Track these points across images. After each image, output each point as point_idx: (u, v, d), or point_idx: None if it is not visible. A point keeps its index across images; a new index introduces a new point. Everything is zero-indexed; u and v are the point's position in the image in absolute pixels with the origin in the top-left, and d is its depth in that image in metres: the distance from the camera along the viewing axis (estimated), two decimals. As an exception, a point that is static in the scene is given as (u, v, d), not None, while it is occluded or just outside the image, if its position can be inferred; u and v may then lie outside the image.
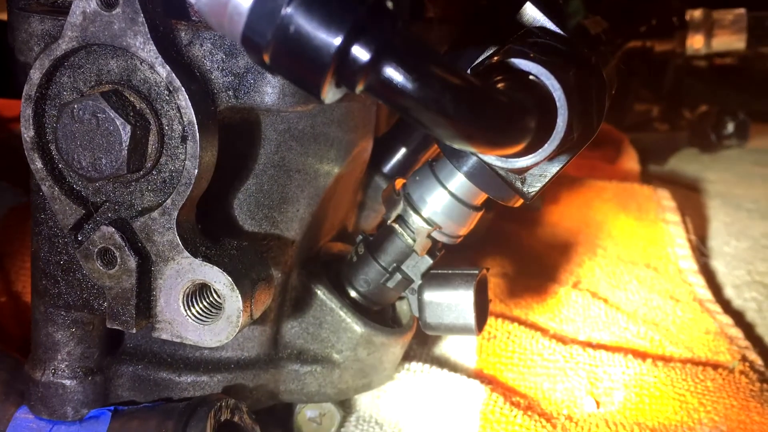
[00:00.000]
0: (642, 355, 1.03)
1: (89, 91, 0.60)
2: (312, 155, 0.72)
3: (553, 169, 0.67)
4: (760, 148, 2.18)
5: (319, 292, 0.79)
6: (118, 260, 0.61)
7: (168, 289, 0.62)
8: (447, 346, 1.03)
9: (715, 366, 1.01)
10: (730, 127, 2.05)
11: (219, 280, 0.61)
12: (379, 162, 0.93)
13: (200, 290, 0.63)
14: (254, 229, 0.72)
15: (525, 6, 0.66)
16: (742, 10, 1.75)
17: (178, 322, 0.63)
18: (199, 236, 0.63)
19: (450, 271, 0.78)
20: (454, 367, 0.97)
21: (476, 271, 0.78)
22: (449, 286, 0.77)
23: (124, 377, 0.74)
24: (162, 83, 0.59)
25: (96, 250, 0.61)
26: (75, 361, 0.70)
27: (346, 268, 0.82)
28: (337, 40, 0.43)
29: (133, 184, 0.62)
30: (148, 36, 0.57)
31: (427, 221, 0.74)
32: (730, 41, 1.76)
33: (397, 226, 0.77)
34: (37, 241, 0.67)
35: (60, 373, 0.70)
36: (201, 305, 0.63)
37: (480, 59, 0.66)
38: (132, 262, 0.61)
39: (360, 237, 0.82)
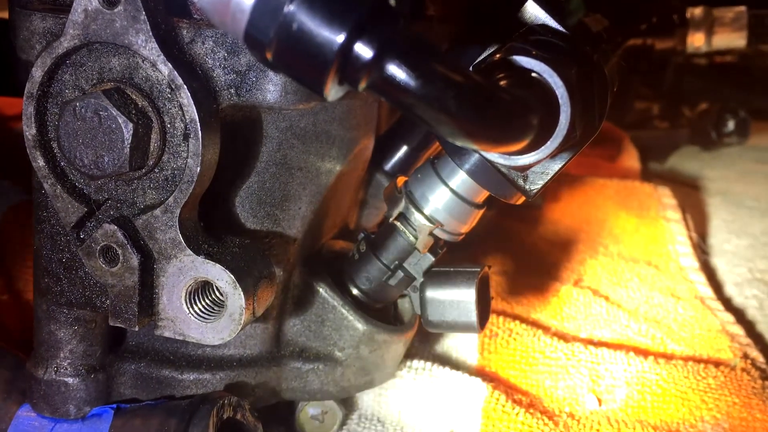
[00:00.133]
0: (644, 353, 1.03)
1: (91, 89, 0.60)
2: (314, 153, 0.72)
3: (555, 166, 0.67)
4: (760, 146, 2.18)
5: (321, 289, 0.79)
6: (121, 258, 0.61)
7: (170, 287, 0.62)
8: (449, 344, 1.03)
9: (717, 363, 1.01)
10: (731, 125, 2.05)
11: (221, 277, 0.61)
12: (380, 160, 0.93)
13: (203, 288, 0.63)
14: (256, 226, 0.72)
15: (527, 3, 0.66)
16: (742, 8, 1.75)
17: (181, 320, 0.63)
18: (201, 234, 0.63)
19: (452, 269, 0.78)
20: (455, 365, 0.97)
21: (478, 269, 0.78)
22: (451, 284, 0.77)
23: (126, 375, 0.74)
24: (164, 81, 0.59)
25: (98, 247, 0.61)
26: (77, 359, 0.70)
27: (348, 265, 0.82)
28: (340, 38, 0.43)
29: (135, 182, 0.62)
30: (150, 34, 0.57)
31: (429, 219, 0.74)
32: (731, 39, 1.76)
33: (398, 223, 0.77)
34: (39, 239, 0.67)
35: (62, 371, 0.70)
36: (203, 303, 0.63)
37: (482, 57, 0.66)
38: (134, 260, 0.61)
39: (362, 235, 0.82)
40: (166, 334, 0.63)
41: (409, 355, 0.96)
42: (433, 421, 0.88)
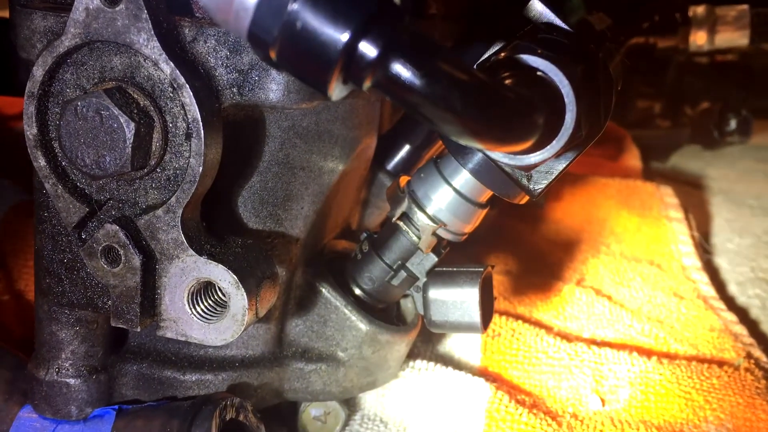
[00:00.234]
0: (647, 353, 1.03)
1: (92, 89, 0.59)
2: (316, 152, 0.72)
3: (560, 166, 0.67)
4: (762, 145, 2.18)
5: (323, 290, 0.78)
6: (123, 258, 0.61)
7: (173, 288, 0.62)
8: (451, 344, 1.03)
9: (720, 363, 1.01)
10: (733, 124, 2.04)
11: (224, 278, 0.61)
12: (383, 159, 0.93)
13: (205, 288, 0.63)
14: (259, 226, 0.71)
15: (532, 2, 0.66)
16: (745, 7, 1.75)
17: (183, 321, 0.62)
18: (203, 234, 0.63)
19: (455, 269, 0.78)
20: (458, 365, 0.97)
21: (481, 269, 0.77)
22: (454, 284, 0.77)
23: (128, 376, 0.73)
24: (166, 80, 0.59)
25: (100, 248, 0.61)
26: (79, 360, 0.70)
27: (351, 265, 0.82)
28: (344, 37, 0.43)
29: (137, 181, 0.62)
30: (152, 33, 0.57)
31: (432, 219, 0.74)
32: (733, 38, 1.75)
33: (401, 223, 0.76)
34: (40, 239, 0.66)
35: (64, 371, 0.69)
36: (206, 303, 0.63)
37: (487, 55, 0.65)
38: (136, 260, 0.61)
39: (364, 234, 0.81)
40: (169, 334, 0.63)
41: (412, 355, 0.96)
42: (436, 422, 0.87)
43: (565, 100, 0.58)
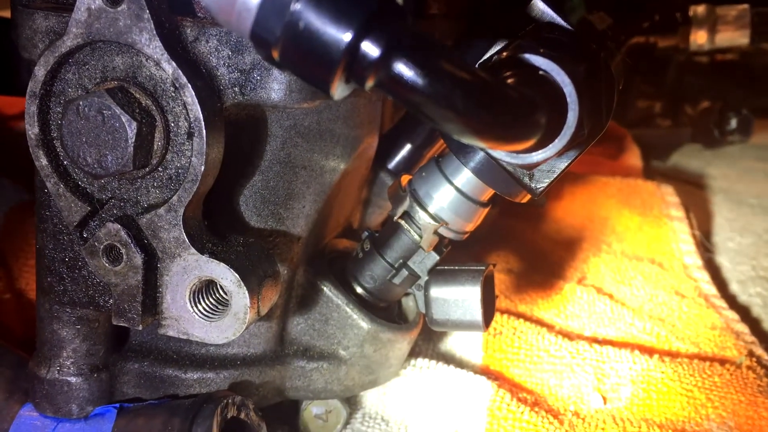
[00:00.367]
0: (649, 351, 1.03)
1: (94, 88, 0.59)
2: (318, 152, 0.72)
3: (562, 164, 0.67)
4: (762, 144, 2.18)
5: (325, 288, 0.78)
6: (124, 257, 0.61)
7: (174, 286, 0.62)
8: (453, 343, 1.03)
9: (722, 361, 1.01)
10: (733, 123, 2.04)
11: (226, 276, 0.61)
12: (384, 158, 0.93)
13: (207, 287, 0.63)
14: (260, 225, 0.71)
15: (533, 1, 0.66)
16: (745, 6, 1.74)
17: (185, 319, 0.62)
18: (205, 233, 0.63)
19: (457, 267, 0.78)
20: (460, 364, 0.97)
21: (483, 267, 0.77)
22: (456, 283, 0.77)
23: (129, 374, 0.73)
24: (168, 80, 0.59)
25: (102, 247, 0.61)
26: (80, 359, 0.70)
27: (352, 264, 0.82)
28: (347, 36, 0.43)
29: (138, 180, 0.62)
30: (154, 32, 0.57)
31: (433, 217, 0.74)
32: (734, 37, 1.75)
33: (403, 222, 0.76)
34: (42, 238, 0.67)
35: (65, 370, 0.69)
36: (207, 302, 0.63)
37: (488, 54, 0.65)
38: (138, 259, 0.61)
39: (366, 233, 0.82)
40: (170, 333, 0.63)
41: (414, 353, 0.96)
42: (438, 420, 0.87)
43: (568, 99, 0.58)
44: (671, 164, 2.07)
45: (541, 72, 0.58)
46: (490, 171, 0.69)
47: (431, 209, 0.74)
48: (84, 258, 0.63)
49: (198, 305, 0.62)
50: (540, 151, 0.60)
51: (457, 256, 0.82)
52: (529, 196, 0.70)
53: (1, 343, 0.78)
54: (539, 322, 1.10)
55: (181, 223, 0.60)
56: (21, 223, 1.13)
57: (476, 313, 0.76)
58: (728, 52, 2.12)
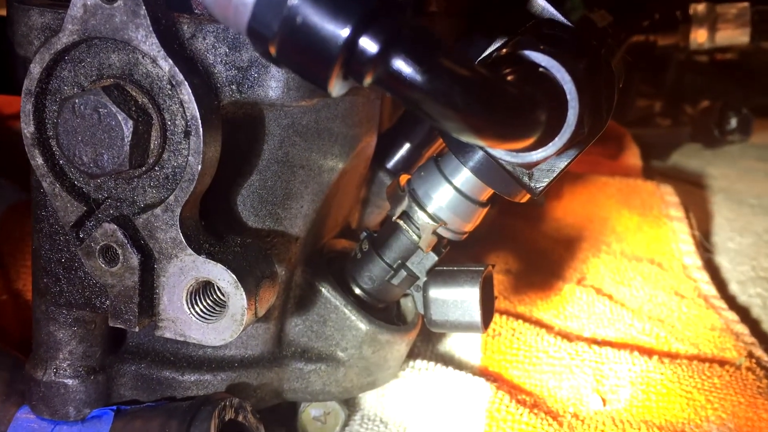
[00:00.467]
0: (648, 352, 1.02)
1: (90, 86, 0.59)
2: (316, 151, 0.71)
3: (562, 164, 0.66)
4: (762, 144, 2.17)
5: (323, 289, 0.78)
6: (121, 258, 0.60)
7: (171, 287, 0.61)
8: (452, 344, 1.02)
9: (722, 362, 1.01)
10: (733, 123, 2.04)
11: (223, 277, 0.60)
12: (383, 157, 0.92)
13: (204, 288, 0.62)
14: (258, 225, 0.71)
15: (534, -3, 0.65)
16: (745, 4, 1.74)
17: (182, 321, 0.62)
18: (202, 233, 0.63)
19: (455, 268, 0.77)
20: (459, 365, 0.96)
21: (482, 268, 0.77)
22: (455, 283, 0.76)
23: (126, 376, 0.73)
24: (164, 77, 0.58)
25: (98, 247, 0.61)
26: (77, 360, 0.69)
27: (351, 265, 0.81)
28: (345, 32, 0.43)
29: (135, 180, 0.61)
30: (150, 29, 0.56)
31: (432, 217, 0.74)
32: (734, 35, 1.75)
33: (401, 222, 0.76)
34: (38, 239, 0.66)
35: (62, 372, 0.69)
36: (205, 303, 0.62)
37: (489, 51, 0.65)
38: (134, 260, 0.60)
39: (364, 233, 0.81)
40: (167, 335, 0.62)
41: (412, 355, 0.95)
42: (436, 422, 0.87)
43: (568, 96, 0.57)
44: (671, 164, 2.07)
45: (541, 69, 0.57)
46: (490, 170, 0.68)
47: (430, 209, 0.74)
48: (80, 259, 0.63)
49: (195, 307, 0.62)
50: (540, 150, 0.59)
51: (456, 256, 0.81)
52: (528, 196, 0.70)
53: (-3, 345, 0.78)
54: (538, 323, 1.09)
55: (177, 223, 0.60)
56: (18, 223, 1.13)
57: (475, 315, 0.76)
58: (728, 51, 2.12)
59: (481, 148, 0.67)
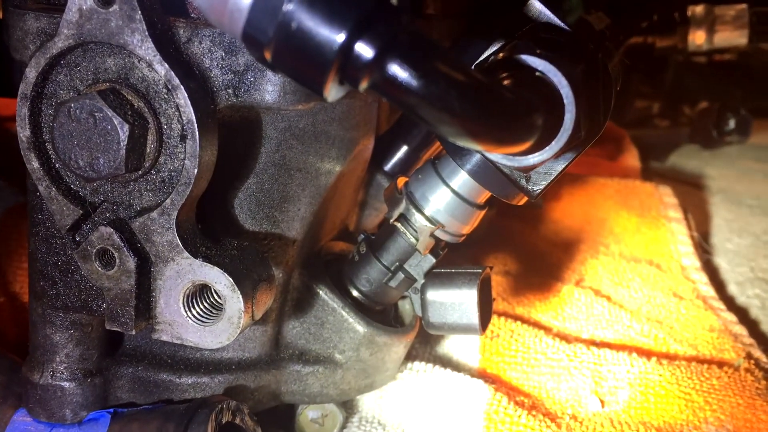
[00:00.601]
0: (646, 354, 1.02)
1: (86, 90, 0.59)
2: (313, 154, 0.71)
3: (559, 167, 0.66)
4: (761, 144, 2.18)
5: (320, 291, 0.78)
6: (117, 261, 0.60)
7: (168, 290, 0.61)
8: (450, 346, 1.02)
9: (720, 364, 1.01)
10: (732, 124, 2.04)
11: (220, 280, 0.60)
12: (380, 160, 0.92)
13: (201, 291, 0.62)
14: (255, 228, 0.71)
15: (530, 1, 0.65)
16: (743, 6, 1.74)
17: (179, 324, 0.62)
18: (199, 236, 0.63)
19: (453, 270, 0.77)
20: (457, 367, 0.96)
21: (480, 270, 0.77)
22: (452, 285, 0.76)
23: (123, 379, 0.73)
24: (160, 81, 0.58)
25: (94, 250, 0.60)
26: (74, 363, 0.69)
27: (348, 267, 0.81)
28: (340, 37, 0.42)
29: (131, 183, 0.61)
30: (146, 33, 0.56)
31: (430, 220, 0.74)
32: (732, 37, 1.75)
33: (399, 224, 0.76)
34: (34, 242, 0.66)
35: (58, 375, 0.69)
36: (201, 306, 0.62)
37: (485, 55, 0.65)
38: (131, 263, 0.60)
39: (362, 236, 0.81)
40: (164, 338, 0.62)
41: (410, 357, 0.95)
42: (434, 424, 0.87)
43: (565, 100, 0.57)
44: (669, 165, 2.07)
45: (537, 73, 0.57)
46: (487, 173, 0.68)
47: (427, 212, 0.74)
48: (76, 262, 0.63)
49: (192, 310, 0.62)
50: (537, 154, 0.59)
51: (454, 258, 0.81)
52: (526, 198, 0.70)
53: (-6, 348, 0.78)
54: (536, 325, 1.09)
55: (174, 226, 0.60)
56: (16, 226, 1.13)
57: (473, 316, 0.76)
58: (726, 53, 2.12)
59: (478, 151, 0.67)
